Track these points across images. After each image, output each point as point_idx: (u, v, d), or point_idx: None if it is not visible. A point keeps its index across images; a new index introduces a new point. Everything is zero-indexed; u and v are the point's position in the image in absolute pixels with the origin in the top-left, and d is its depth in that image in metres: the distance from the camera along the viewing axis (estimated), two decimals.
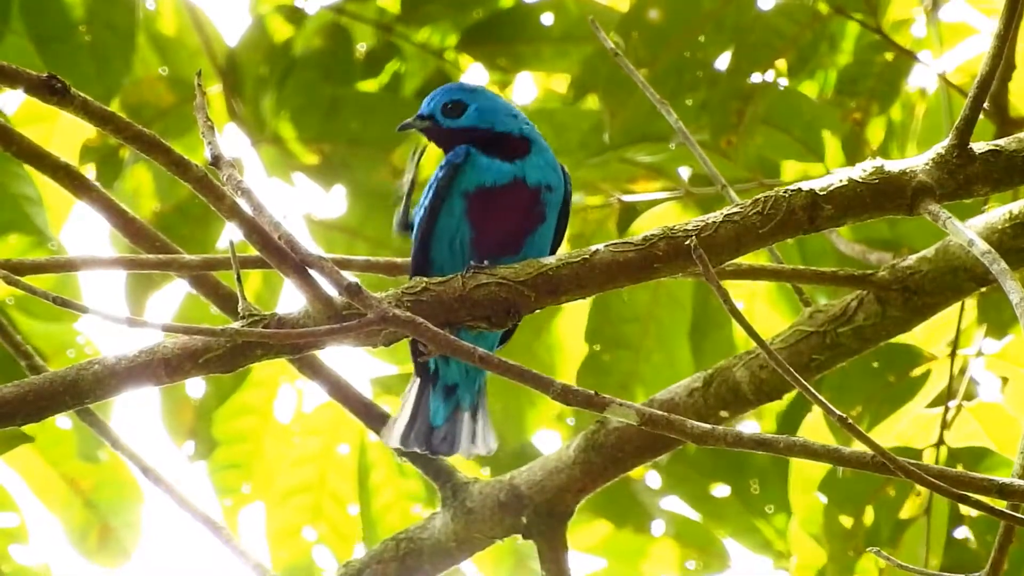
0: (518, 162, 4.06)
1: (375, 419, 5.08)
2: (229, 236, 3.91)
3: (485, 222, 4.02)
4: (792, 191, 3.89)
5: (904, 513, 5.66)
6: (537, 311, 3.95)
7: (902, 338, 5.20)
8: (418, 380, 4.12)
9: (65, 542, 6.45)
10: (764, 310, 6.33)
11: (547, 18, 6.63)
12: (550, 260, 3.89)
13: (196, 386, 6.70)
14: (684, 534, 6.50)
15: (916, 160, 3.93)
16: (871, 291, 4.74)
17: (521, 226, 4.03)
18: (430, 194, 4.08)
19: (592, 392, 3.55)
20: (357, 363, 6.89)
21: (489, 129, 4.14)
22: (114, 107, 6.31)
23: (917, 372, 5.66)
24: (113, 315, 3.54)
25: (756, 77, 5.94)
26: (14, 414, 3.68)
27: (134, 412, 6.91)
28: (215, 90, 6.75)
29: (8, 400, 3.67)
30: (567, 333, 6.40)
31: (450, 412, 4.09)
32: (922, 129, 6.09)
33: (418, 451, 4.07)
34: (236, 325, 3.79)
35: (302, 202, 6.77)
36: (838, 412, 3.44)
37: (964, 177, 3.90)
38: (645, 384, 6.14)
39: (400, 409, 4.12)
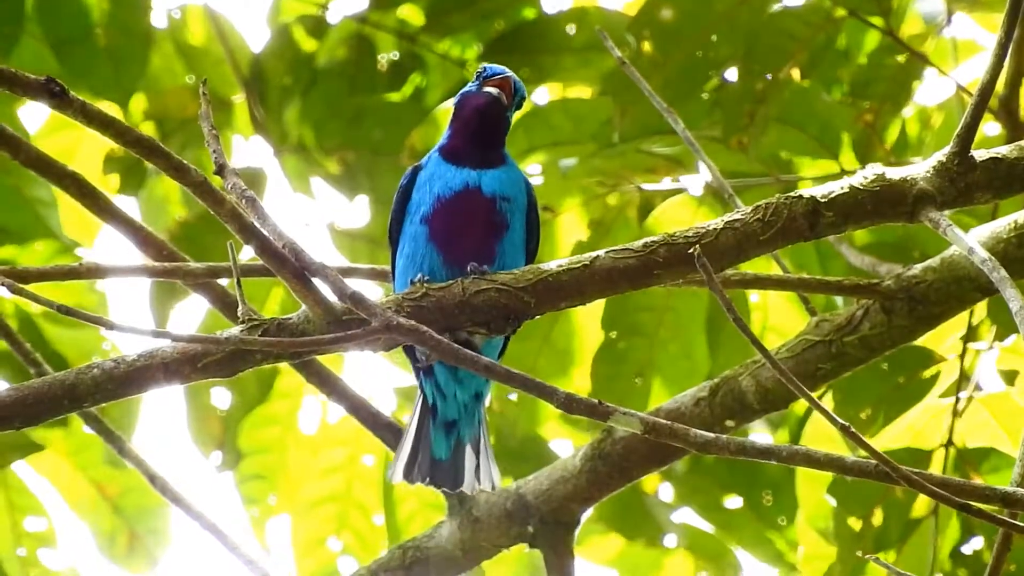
0: (480, 171, 4.06)
1: (385, 430, 5.11)
2: (239, 244, 3.90)
3: (449, 241, 4.02)
4: (793, 198, 3.88)
5: (914, 514, 5.64)
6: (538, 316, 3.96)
7: None
8: (418, 412, 4.12)
9: (93, 547, 6.48)
10: (780, 304, 6.29)
11: (570, 29, 6.62)
12: (550, 266, 3.88)
13: (222, 397, 6.72)
14: (696, 546, 6.46)
15: (917, 168, 3.91)
16: (877, 301, 4.72)
17: (488, 235, 4.02)
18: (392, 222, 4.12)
19: (596, 401, 3.55)
20: (379, 373, 6.86)
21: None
22: (135, 111, 6.39)
23: (927, 373, 5.62)
24: (118, 324, 3.55)
25: (769, 78, 5.92)
26: (13, 417, 3.69)
27: (161, 422, 6.92)
28: (239, 99, 6.78)
29: (7, 403, 3.68)
30: (585, 320, 6.36)
31: (452, 446, 4.10)
32: (938, 143, 6.06)
33: (422, 484, 4.08)
34: (236, 331, 3.80)
35: (325, 212, 6.80)
36: (840, 420, 3.43)
37: (965, 185, 3.89)
38: (662, 373, 6.10)
39: (401, 444, 4.11)
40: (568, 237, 6.20)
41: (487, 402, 4.12)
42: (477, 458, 4.08)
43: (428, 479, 4.07)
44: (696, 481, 6.39)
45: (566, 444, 6.62)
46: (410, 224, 4.07)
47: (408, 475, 4.08)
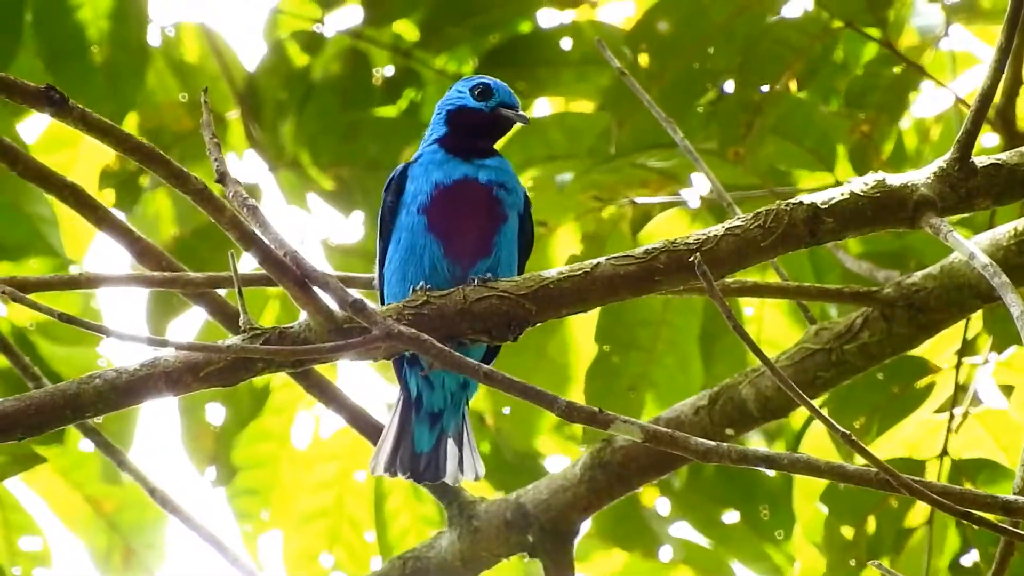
0: (477, 161, 4.07)
1: None
2: (240, 253, 3.90)
3: (448, 231, 4.01)
4: (793, 204, 3.88)
5: (907, 523, 5.64)
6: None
7: None
8: (400, 406, 4.10)
9: (89, 564, 6.47)
10: (774, 317, 6.29)
11: (565, 43, 6.63)
12: (551, 273, 3.87)
13: (216, 412, 6.72)
14: (695, 560, 6.46)
15: (918, 174, 3.91)
16: (876, 308, 4.73)
17: (486, 226, 4.02)
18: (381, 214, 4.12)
19: (596, 409, 3.55)
20: (374, 385, 6.86)
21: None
22: (130, 127, 6.39)
23: (922, 384, 5.63)
24: (121, 332, 3.55)
25: (766, 89, 5.92)
26: (15, 427, 3.68)
27: (155, 438, 6.91)
28: (234, 115, 6.78)
29: (9, 414, 3.67)
30: (581, 333, 6.36)
31: (435, 439, 4.09)
32: (935, 155, 6.05)
33: (403, 478, 4.07)
34: (238, 339, 3.80)
35: (320, 228, 6.80)
36: (841, 428, 3.42)
37: (966, 191, 3.89)
38: (656, 387, 6.08)
39: (384, 436, 4.10)
40: (562, 252, 6.20)
41: (471, 395, 4.11)
42: (460, 450, 4.07)
43: (409, 473, 4.06)
44: (693, 496, 6.38)
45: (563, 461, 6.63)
46: (406, 215, 4.07)
47: (390, 468, 4.06)
